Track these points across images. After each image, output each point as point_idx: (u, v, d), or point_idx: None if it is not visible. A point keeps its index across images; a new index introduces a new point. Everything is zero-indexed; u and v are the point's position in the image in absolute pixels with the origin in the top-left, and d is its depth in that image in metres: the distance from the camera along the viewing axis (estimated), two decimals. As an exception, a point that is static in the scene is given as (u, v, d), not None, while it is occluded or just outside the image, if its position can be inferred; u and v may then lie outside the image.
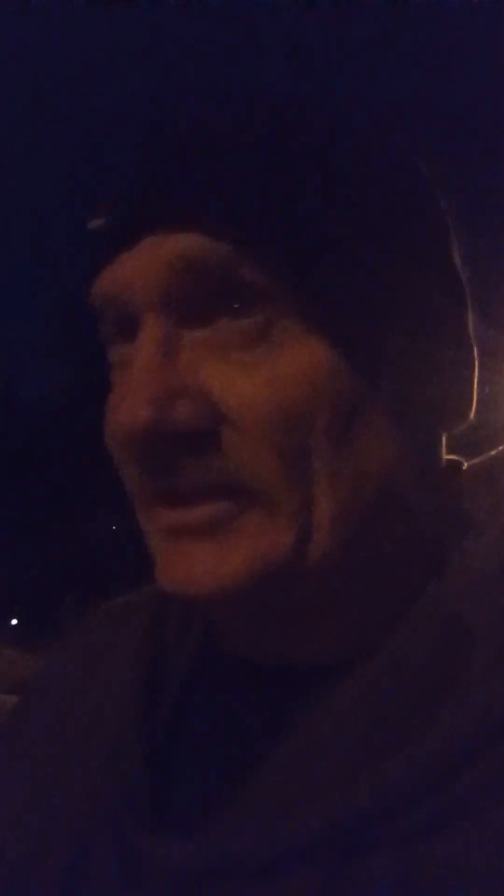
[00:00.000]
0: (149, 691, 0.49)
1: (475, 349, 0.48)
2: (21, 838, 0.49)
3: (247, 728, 0.45)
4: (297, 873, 0.37)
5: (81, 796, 0.47)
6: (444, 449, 0.48)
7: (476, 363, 0.48)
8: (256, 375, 0.40)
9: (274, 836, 0.38)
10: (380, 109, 0.48)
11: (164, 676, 0.50)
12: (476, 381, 0.48)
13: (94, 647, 0.58)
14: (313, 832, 0.38)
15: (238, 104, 0.45)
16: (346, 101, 0.47)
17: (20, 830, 0.49)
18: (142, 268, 0.41)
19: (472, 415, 0.48)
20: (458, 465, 0.51)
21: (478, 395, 0.48)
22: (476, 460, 0.51)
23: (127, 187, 0.44)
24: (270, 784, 0.41)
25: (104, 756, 0.48)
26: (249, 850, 0.38)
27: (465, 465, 0.51)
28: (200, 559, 0.41)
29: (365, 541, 0.43)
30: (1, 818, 0.51)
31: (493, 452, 0.51)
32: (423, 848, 0.36)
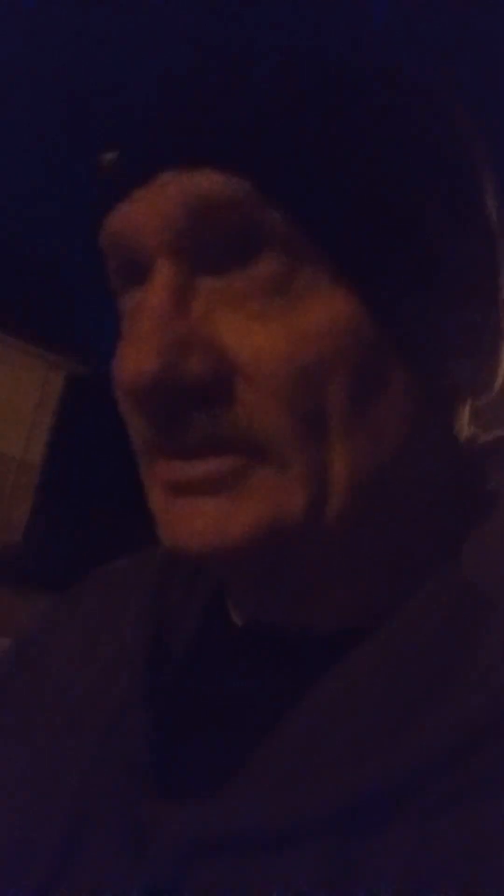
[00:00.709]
0: (153, 656, 0.47)
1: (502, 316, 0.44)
2: (20, 805, 0.47)
3: (255, 695, 0.43)
4: (305, 848, 0.36)
5: (84, 761, 0.45)
6: (466, 419, 0.45)
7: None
8: (273, 328, 0.38)
9: (282, 809, 0.36)
10: (412, 47, 0.45)
11: (169, 640, 0.48)
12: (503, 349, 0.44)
13: (97, 608, 0.56)
14: (323, 807, 0.36)
15: (268, 40, 0.41)
16: (374, 38, 0.43)
17: (19, 796, 0.47)
18: (155, 206, 0.38)
19: (497, 384, 0.45)
20: (477, 437, 0.47)
21: None
22: (498, 432, 0.48)
23: (143, 118, 0.40)
24: (279, 755, 0.39)
25: (108, 720, 0.46)
26: (257, 822, 0.37)
27: (488, 437, 0.48)
28: (205, 516, 0.39)
29: (380, 507, 0.40)
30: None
31: None
32: (435, 827, 0.34)
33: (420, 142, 0.41)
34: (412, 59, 0.43)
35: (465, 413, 0.45)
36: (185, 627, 0.49)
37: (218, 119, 0.38)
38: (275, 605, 0.44)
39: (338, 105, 0.39)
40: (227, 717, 0.43)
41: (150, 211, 0.39)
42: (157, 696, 0.45)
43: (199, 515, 0.39)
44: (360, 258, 0.38)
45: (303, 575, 0.42)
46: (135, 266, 0.41)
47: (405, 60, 0.43)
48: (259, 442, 0.38)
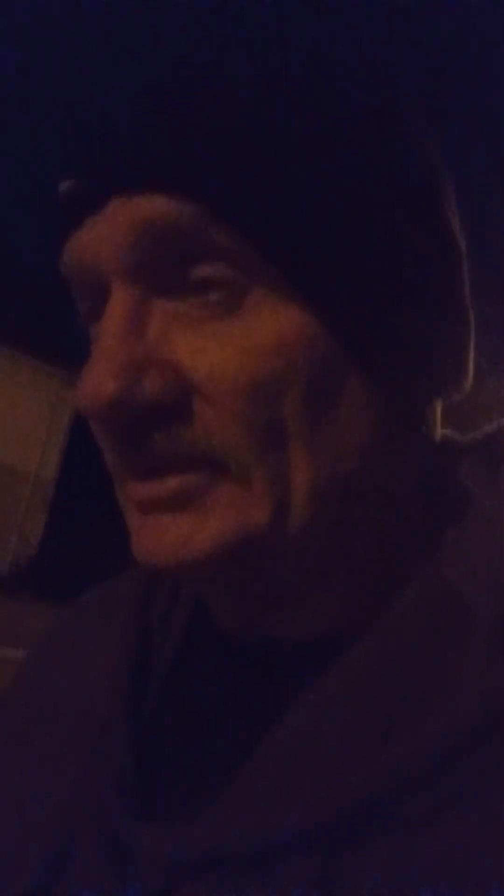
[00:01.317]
0: (136, 673, 0.47)
1: (471, 315, 0.44)
2: (5, 825, 0.46)
3: (237, 709, 0.43)
4: (289, 862, 0.35)
5: (68, 782, 0.45)
6: (438, 422, 0.45)
7: (471, 330, 0.44)
8: (227, 346, 0.38)
9: (266, 824, 0.36)
10: (363, 54, 0.44)
11: (151, 657, 0.48)
12: (472, 348, 0.44)
13: (83, 630, 0.56)
14: (306, 821, 0.35)
15: (208, 64, 0.41)
16: (319, 54, 0.43)
17: (4, 813, 0.47)
18: (108, 232, 0.39)
19: (468, 384, 0.45)
20: (453, 438, 0.48)
21: (475, 364, 0.45)
22: (474, 434, 0.48)
23: (92, 148, 0.41)
24: (262, 769, 0.39)
25: (91, 741, 0.46)
26: (240, 839, 0.36)
27: (463, 438, 0.48)
28: (171, 531, 0.39)
29: (348, 515, 0.40)
30: None
31: (492, 426, 0.48)
32: (420, 838, 0.34)
33: (372, 155, 0.41)
34: (357, 74, 0.43)
35: (437, 415, 0.45)
36: (169, 640, 0.49)
37: (161, 145, 0.38)
38: (252, 615, 0.44)
39: (282, 123, 0.39)
40: (210, 729, 0.43)
41: (102, 237, 0.39)
42: (140, 711, 0.45)
43: (166, 532, 0.39)
44: (310, 274, 0.38)
45: (275, 584, 0.42)
46: (96, 294, 0.41)
47: (350, 74, 0.43)
48: (219, 458, 0.38)
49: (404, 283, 0.41)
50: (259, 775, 0.38)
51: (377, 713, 0.37)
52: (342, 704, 0.38)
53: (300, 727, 0.39)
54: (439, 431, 0.46)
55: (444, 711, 0.36)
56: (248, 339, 0.38)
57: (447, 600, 0.40)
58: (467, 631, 0.38)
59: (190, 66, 0.41)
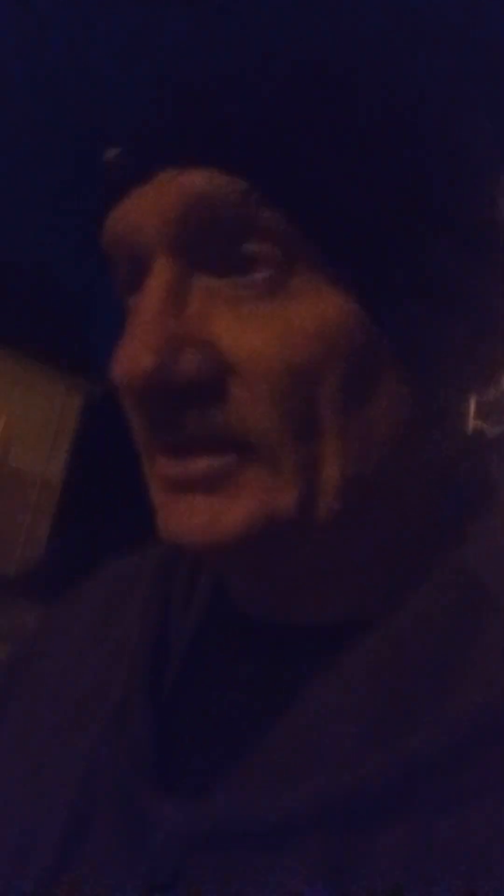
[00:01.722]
0: (155, 649, 0.47)
1: None
2: (23, 797, 0.46)
3: (255, 689, 0.42)
4: (301, 841, 0.35)
5: (86, 755, 0.45)
6: (471, 415, 0.44)
7: None
8: (267, 329, 0.38)
9: (281, 799, 0.36)
10: (420, 50, 0.44)
11: (171, 634, 0.48)
12: None
13: (100, 604, 0.56)
14: (322, 798, 0.35)
15: (263, 45, 0.41)
16: (380, 37, 0.43)
17: (22, 789, 0.47)
18: (154, 204, 0.38)
19: (501, 381, 0.44)
20: (482, 432, 0.46)
21: None
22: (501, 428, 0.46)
23: (144, 119, 0.40)
24: (278, 748, 0.38)
25: (110, 714, 0.45)
26: (256, 813, 0.36)
27: (493, 431, 0.46)
28: (199, 511, 0.39)
29: (374, 504, 0.40)
30: (2, 774, 0.49)
31: None
32: (434, 824, 0.34)
33: (424, 147, 0.40)
34: (415, 61, 0.43)
35: (470, 409, 0.44)
36: (188, 620, 0.48)
37: (216, 120, 0.38)
38: (274, 597, 0.44)
39: (337, 107, 0.39)
40: (228, 707, 0.43)
41: (148, 209, 0.39)
42: (158, 688, 0.45)
43: (195, 512, 0.39)
44: (355, 260, 0.38)
45: (299, 568, 0.42)
46: (136, 266, 0.40)
47: (407, 62, 0.43)
48: (250, 440, 0.38)
49: (447, 277, 0.40)
50: (276, 752, 0.38)
51: (396, 696, 0.37)
52: (361, 686, 0.38)
53: (319, 707, 0.39)
54: (471, 424, 0.45)
55: (463, 698, 0.35)
56: (288, 323, 0.38)
57: (469, 588, 0.39)
58: (489, 619, 0.38)
59: (246, 45, 0.41)
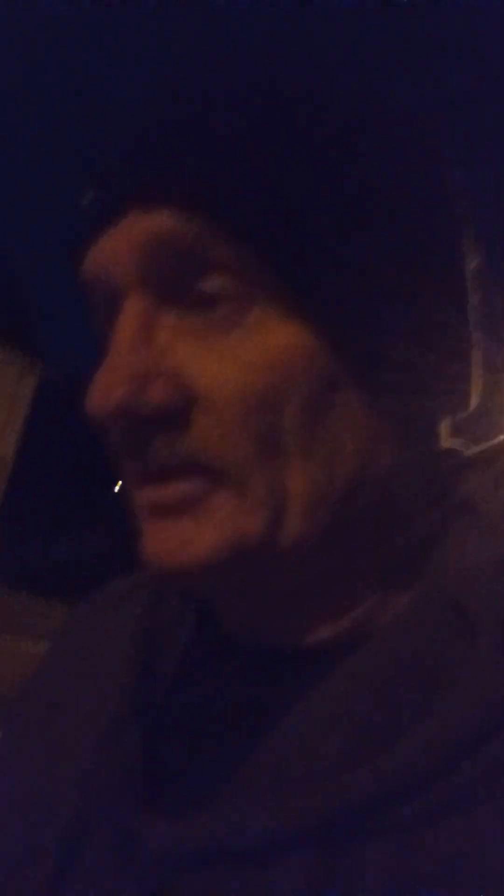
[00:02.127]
0: (145, 671, 0.47)
1: (474, 332, 0.44)
2: (14, 819, 0.47)
3: (242, 709, 0.43)
4: (290, 858, 0.36)
5: (76, 778, 0.45)
6: (444, 434, 0.45)
7: (475, 346, 0.44)
8: (229, 358, 0.39)
9: (267, 820, 0.36)
10: (373, 74, 0.44)
11: (161, 656, 0.48)
12: (477, 365, 0.44)
13: (95, 627, 0.57)
14: (308, 817, 0.36)
15: (214, 84, 0.43)
16: (332, 68, 0.44)
17: (14, 811, 0.48)
18: (120, 245, 0.40)
19: (472, 400, 0.44)
20: (457, 451, 0.47)
21: (484, 380, 0.44)
22: (480, 447, 0.47)
23: (109, 161, 0.42)
24: (265, 767, 0.39)
25: (102, 736, 0.46)
26: (241, 836, 0.36)
27: (469, 451, 0.47)
28: (172, 535, 0.40)
29: (345, 525, 0.41)
30: None
31: (498, 439, 0.47)
32: (419, 838, 0.35)
33: (379, 179, 0.41)
34: (361, 87, 0.43)
35: (442, 429, 0.44)
36: (178, 640, 0.49)
37: (172, 162, 0.40)
38: (254, 619, 0.45)
39: (288, 146, 0.40)
40: (216, 727, 0.44)
41: (117, 248, 0.40)
42: (148, 710, 0.45)
43: (167, 536, 0.40)
44: (312, 290, 0.39)
45: (273, 589, 0.42)
46: (110, 302, 0.42)
47: (354, 89, 0.43)
48: (216, 466, 0.39)
49: (408, 304, 0.41)
50: (263, 772, 0.39)
51: (379, 715, 0.38)
52: (345, 706, 0.39)
53: (304, 727, 0.39)
54: (445, 444, 0.45)
55: (445, 714, 0.36)
56: (249, 353, 0.39)
57: (448, 606, 0.40)
58: (468, 636, 0.38)
59: (199, 89, 0.42)
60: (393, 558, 0.42)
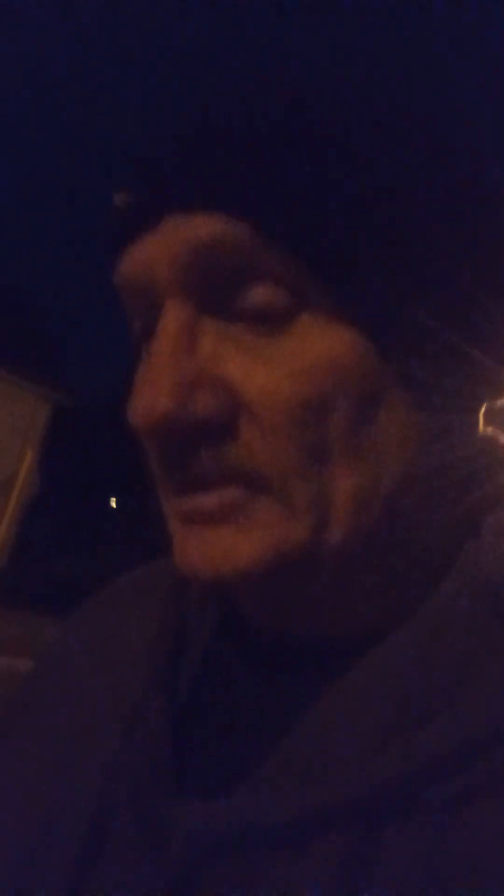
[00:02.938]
0: (171, 660, 0.47)
1: None
2: (40, 807, 0.46)
3: (270, 694, 0.42)
4: (318, 842, 0.35)
5: (101, 764, 0.45)
6: (481, 424, 0.44)
7: None
8: (277, 367, 0.38)
9: (295, 803, 0.36)
10: (410, 84, 0.43)
11: (185, 646, 0.48)
12: None
13: (114, 617, 0.55)
14: (338, 799, 0.35)
15: (265, 91, 0.41)
16: (370, 84, 0.42)
17: (39, 799, 0.47)
18: (162, 250, 0.39)
19: None
20: (492, 439, 0.45)
21: None
22: None
23: (151, 165, 0.40)
24: (293, 752, 0.38)
25: (124, 725, 0.45)
26: (271, 818, 0.36)
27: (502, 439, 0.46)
28: (213, 544, 0.39)
29: (388, 527, 0.40)
30: (20, 786, 0.48)
31: None
32: (449, 822, 0.34)
33: (423, 183, 0.40)
34: (410, 102, 0.42)
35: (480, 419, 0.43)
36: (205, 628, 0.48)
37: (218, 166, 0.38)
38: (289, 619, 0.44)
39: (335, 149, 0.39)
40: (244, 713, 0.43)
41: (157, 255, 0.39)
42: (174, 699, 0.45)
43: (208, 544, 0.39)
44: (359, 297, 0.38)
45: (311, 594, 0.41)
46: (148, 307, 0.41)
47: (403, 103, 0.42)
48: (262, 475, 0.38)
49: (451, 303, 0.40)
50: (291, 756, 0.38)
51: (411, 701, 0.37)
52: (377, 691, 0.38)
53: (331, 713, 0.39)
54: (482, 432, 0.44)
55: (476, 699, 0.35)
56: (297, 361, 0.38)
57: (486, 597, 0.39)
58: (501, 628, 0.38)
59: (247, 91, 0.41)
60: (431, 552, 0.42)
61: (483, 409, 0.43)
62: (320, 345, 0.38)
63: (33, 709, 0.54)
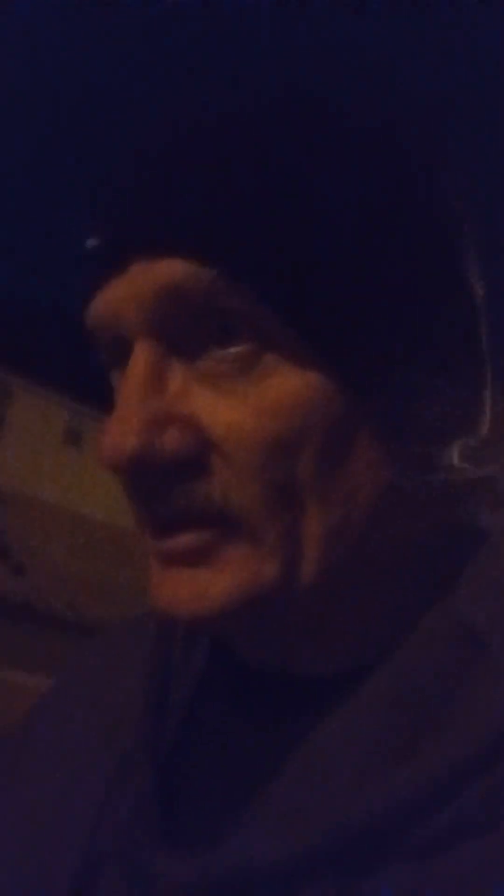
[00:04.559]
0: (157, 705, 0.46)
1: (487, 360, 0.43)
2: (28, 855, 0.46)
3: (255, 739, 0.42)
4: (306, 886, 0.34)
5: (89, 813, 0.45)
6: (454, 462, 0.43)
7: (488, 375, 0.43)
8: (244, 404, 0.38)
9: (282, 848, 0.35)
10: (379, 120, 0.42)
11: (172, 690, 0.47)
12: (489, 394, 0.43)
13: (104, 664, 0.55)
14: (322, 844, 0.34)
15: (226, 139, 0.40)
16: (336, 114, 0.42)
17: (27, 847, 0.47)
18: (129, 294, 0.39)
19: (484, 428, 0.43)
20: (467, 477, 0.45)
21: (492, 404, 0.43)
22: (489, 468, 0.45)
23: (115, 210, 0.41)
24: (279, 795, 0.38)
25: (113, 772, 0.45)
26: (258, 863, 0.35)
27: (477, 473, 0.45)
28: (186, 585, 0.39)
29: (360, 562, 0.40)
30: (8, 833, 0.49)
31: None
32: (434, 862, 0.33)
33: (384, 218, 0.40)
34: (380, 140, 0.41)
35: (452, 457, 0.43)
36: (191, 670, 0.48)
37: (180, 212, 0.38)
38: (269, 654, 0.44)
39: (296, 195, 0.38)
40: (229, 758, 0.43)
41: (124, 298, 0.39)
42: (160, 742, 0.45)
43: (181, 586, 0.39)
44: (325, 337, 0.38)
45: (289, 629, 0.41)
46: (119, 346, 0.41)
47: (371, 141, 0.41)
48: (233, 514, 0.38)
49: (419, 341, 0.40)
50: (277, 799, 0.38)
51: (392, 741, 0.37)
52: (357, 730, 0.38)
53: (317, 755, 0.38)
54: (455, 470, 0.44)
55: (456, 733, 0.35)
56: (264, 399, 0.38)
57: (462, 634, 0.39)
58: (482, 663, 0.37)
59: (208, 135, 0.40)
60: (406, 588, 0.41)
61: (457, 448, 0.43)
62: (287, 383, 0.38)
63: (25, 759, 0.54)
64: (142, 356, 0.39)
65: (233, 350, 0.38)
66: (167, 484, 0.38)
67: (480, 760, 0.34)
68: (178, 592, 0.39)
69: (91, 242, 0.41)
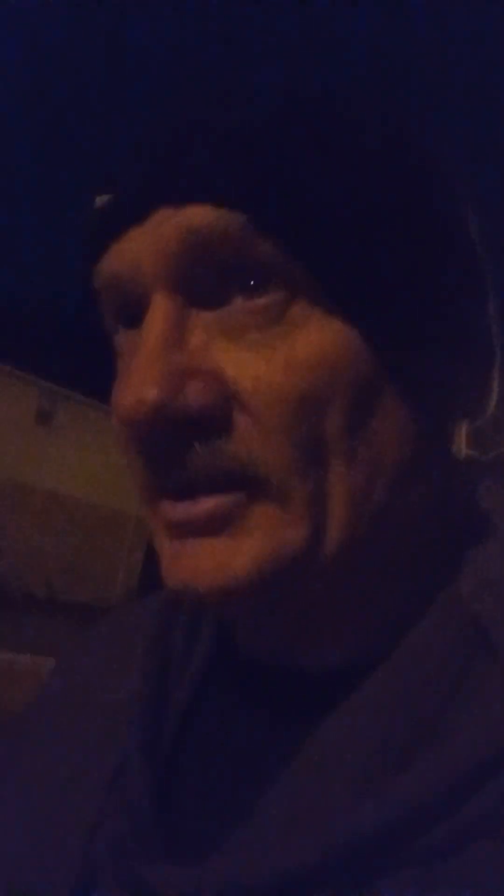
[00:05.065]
0: (157, 704, 0.44)
1: (495, 342, 0.42)
2: (21, 866, 0.43)
3: (257, 739, 0.40)
4: (309, 895, 0.32)
5: (86, 819, 0.42)
6: (462, 442, 0.43)
7: (496, 356, 0.42)
8: (272, 358, 0.35)
9: (281, 859, 0.33)
10: (399, 87, 0.43)
11: (172, 687, 0.45)
12: (496, 374, 0.42)
13: (101, 656, 0.52)
14: (324, 854, 0.32)
15: (260, 84, 0.40)
16: (364, 78, 0.43)
17: (22, 856, 0.44)
18: (151, 242, 0.36)
19: (490, 406, 0.42)
20: (475, 458, 0.45)
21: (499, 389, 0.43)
22: (495, 454, 0.45)
23: (137, 157, 0.39)
24: (281, 801, 0.35)
25: (110, 777, 0.43)
26: (258, 875, 0.33)
27: (484, 458, 0.45)
28: (207, 557, 0.36)
29: (378, 536, 0.38)
30: (6, 836, 0.46)
31: None
32: (441, 869, 0.31)
33: (416, 177, 0.39)
34: (405, 97, 0.42)
35: (462, 435, 0.43)
36: (190, 670, 0.45)
37: (209, 156, 0.36)
38: (278, 639, 0.42)
39: (330, 140, 0.37)
40: (230, 762, 0.40)
41: (146, 247, 0.37)
42: (158, 745, 0.42)
43: (202, 557, 0.36)
44: (355, 289, 0.36)
45: (304, 605, 0.39)
46: (130, 306, 0.39)
47: (397, 97, 0.41)
48: (258, 473, 0.36)
49: (440, 307, 0.39)
50: (277, 809, 0.35)
51: (397, 742, 0.34)
52: (362, 735, 0.35)
53: (320, 758, 0.36)
54: (463, 451, 0.43)
55: (463, 740, 0.33)
56: (292, 352, 0.36)
57: (467, 627, 0.37)
58: (487, 658, 0.35)
59: (237, 80, 0.39)
60: (414, 573, 0.40)
61: (465, 429, 0.42)
62: (314, 336, 0.36)
63: (22, 758, 0.50)
64: (161, 308, 0.36)
65: (261, 301, 0.36)
66: (188, 442, 0.35)
67: (487, 763, 0.32)
68: (199, 564, 0.36)
69: (103, 199, 0.39)
